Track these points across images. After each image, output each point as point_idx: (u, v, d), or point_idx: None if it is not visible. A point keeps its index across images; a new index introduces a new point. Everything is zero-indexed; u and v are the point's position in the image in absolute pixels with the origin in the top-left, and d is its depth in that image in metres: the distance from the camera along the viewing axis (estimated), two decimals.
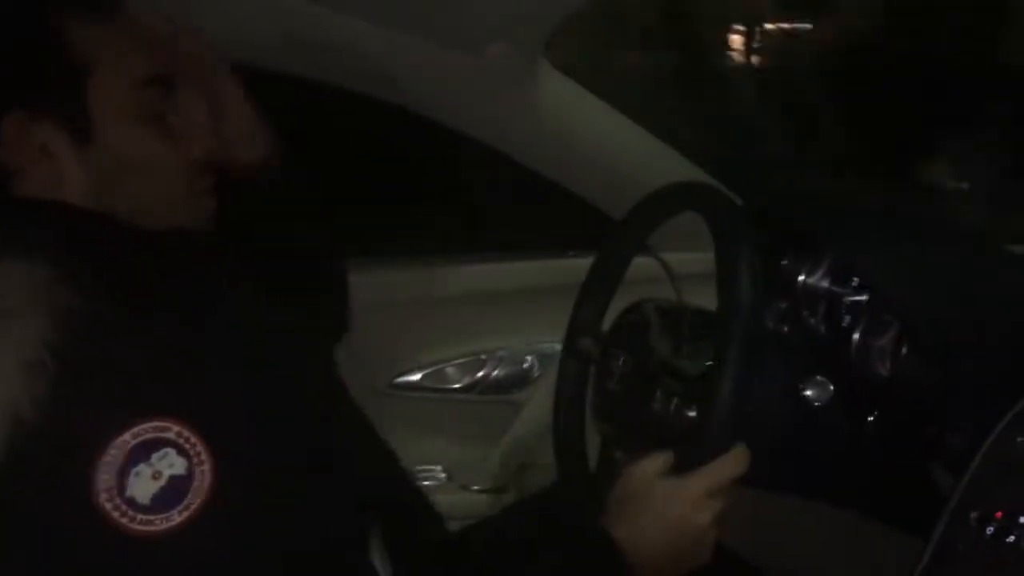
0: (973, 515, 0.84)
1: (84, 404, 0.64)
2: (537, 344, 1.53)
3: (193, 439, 0.65)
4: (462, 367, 1.53)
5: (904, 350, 1.02)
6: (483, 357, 1.53)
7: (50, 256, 0.68)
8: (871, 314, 1.05)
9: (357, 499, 0.78)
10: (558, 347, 1.13)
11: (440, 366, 1.52)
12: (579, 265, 1.15)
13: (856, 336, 1.05)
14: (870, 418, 1.01)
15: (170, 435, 0.64)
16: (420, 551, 0.88)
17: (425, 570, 0.90)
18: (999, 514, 0.83)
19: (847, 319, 1.08)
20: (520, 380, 1.54)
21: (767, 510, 1.03)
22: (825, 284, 1.11)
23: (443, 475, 1.54)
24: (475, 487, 1.55)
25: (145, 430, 0.64)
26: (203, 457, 0.65)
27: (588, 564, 0.85)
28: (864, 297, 1.07)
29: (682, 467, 0.87)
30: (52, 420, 0.63)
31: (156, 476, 0.64)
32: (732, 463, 0.86)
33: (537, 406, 1.50)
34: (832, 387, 0.98)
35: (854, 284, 1.08)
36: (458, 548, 0.95)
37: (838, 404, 0.98)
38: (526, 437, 1.54)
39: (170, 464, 0.64)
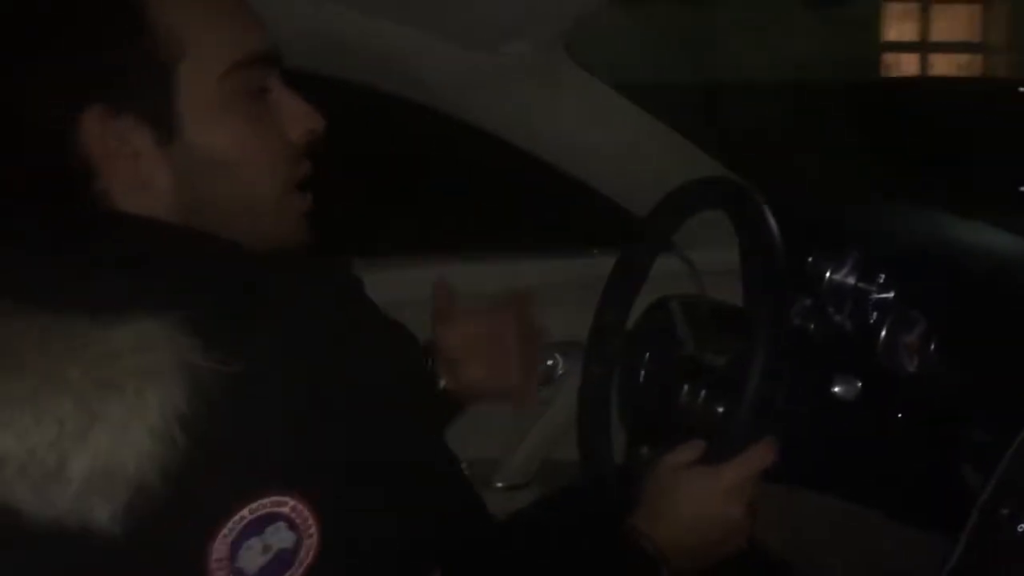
0: (1004, 512, 0.84)
1: (209, 478, 0.62)
2: (562, 341, 1.53)
3: (305, 512, 0.64)
4: None
5: (931, 347, 1.02)
6: None
7: (184, 313, 0.64)
8: (898, 311, 1.04)
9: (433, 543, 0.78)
10: (582, 345, 1.13)
11: None
12: (603, 263, 1.16)
13: (883, 333, 1.04)
14: (898, 415, 1.01)
15: (285, 509, 0.64)
16: (467, 550, 0.87)
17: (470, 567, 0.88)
18: None
19: (874, 316, 1.07)
20: (544, 377, 1.54)
21: (795, 506, 1.03)
22: (851, 281, 1.11)
23: (467, 471, 1.54)
24: (499, 484, 1.55)
25: (263, 505, 0.63)
26: (312, 531, 0.64)
27: (622, 557, 0.85)
28: (891, 294, 1.07)
29: (712, 459, 0.87)
30: (175, 491, 0.61)
31: (266, 549, 0.63)
32: (762, 454, 0.86)
33: (561, 403, 1.51)
34: (859, 384, 0.98)
35: (880, 281, 1.08)
36: (499, 543, 0.95)
37: (865, 401, 0.98)
38: (551, 434, 1.54)
39: (281, 538, 0.64)
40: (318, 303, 0.72)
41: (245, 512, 0.62)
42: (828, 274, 1.12)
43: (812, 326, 1.10)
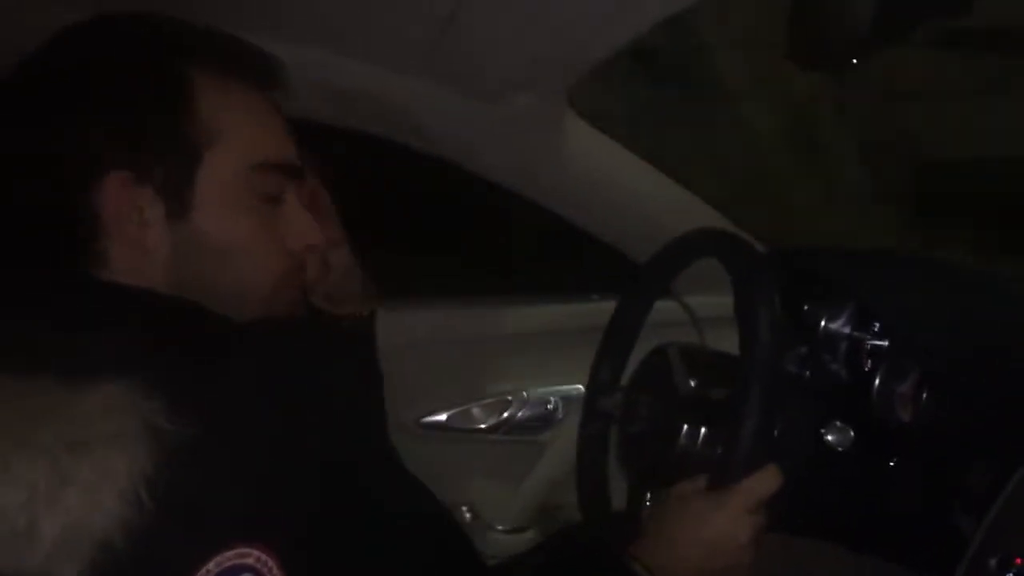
0: (992, 561, 0.85)
1: (173, 536, 0.63)
2: (562, 386, 1.54)
3: (270, 563, 0.65)
4: (488, 408, 1.54)
5: (925, 396, 1.03)
6: (508, 398, 1.54)
7: (150, 377, 0.65)
8: (892, 359, 1.06)
9: None
10: (582, 389, 1.15)
11: (466, 407, 1.53)
12: (603, 308, 1.17)
13: (877, 381, 1.05)
14: (891, 463, 1.01)
15: (250, 560, 0.64)
16: None
17: None
18: (1019, 560, 0.84)
19: (868, 364, 1.08)
20: (545, 421, 1.55)
21: (789, 554, 1.04)
22: (846, 329, 1.12)
23: (468, 515, 1.55)
24: (499, 527, 1.56)
25: (228, 558, 0.64)
26: None
27: None
28: (885, 342, 1.08)
29: (716, 486, 0.87)
30: (140, 549, 0.61)
31: None
32: (767, 479, 0.86)
33: (561, 447, 1.51)
34: (853, 432, 0.98)
35: (875, 329, 1.09)
36: None
37: (859, 449, 0.98)
38: (550, 478, 1.55)
39: None
40: (278, 361, 0.74)
41: (211, 565, 0.63)
42: (824, 322, 1.14)
43: (807, 373, 1.12)
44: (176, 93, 0.75)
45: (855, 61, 0.83)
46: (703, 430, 0.98)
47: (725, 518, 0.86)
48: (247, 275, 0.79)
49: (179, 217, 0.75)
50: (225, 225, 0.77)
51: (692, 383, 1.05)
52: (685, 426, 1.00)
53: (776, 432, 0.95)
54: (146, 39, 0.77)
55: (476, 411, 1.54)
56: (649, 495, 1.05)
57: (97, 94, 0.74)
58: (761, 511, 0.88)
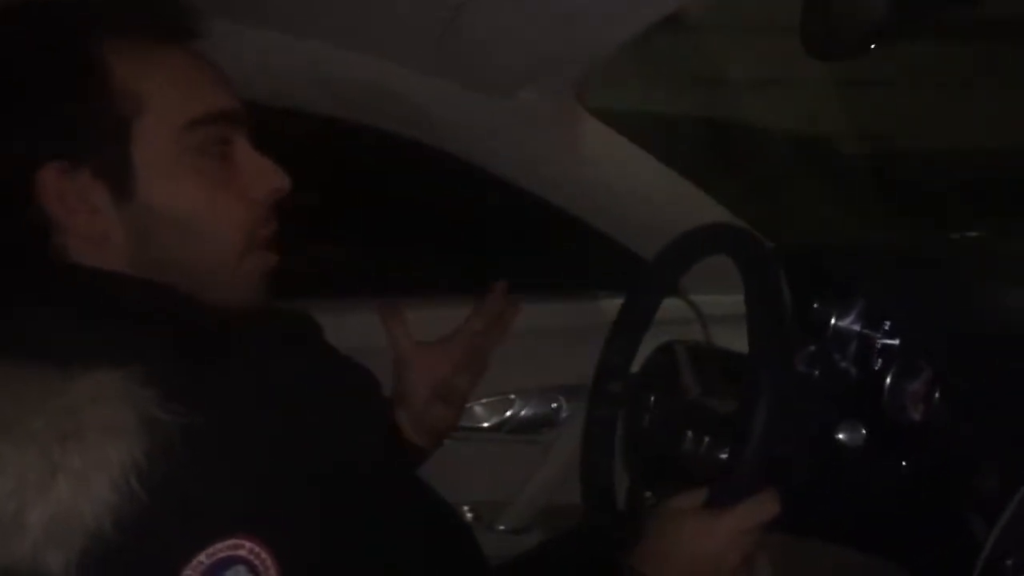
0: (1008, 562, 0.84)
1: (165, 526, 0.63)
2: (566, 384, 1.53)
3: (263, 554, 0.65)
4: (490, 406, 1.53)
5: (936, 395, 1.01)
6: (512, 397, 1.53)
7: (145, 364, 0.64)
8: (903, 358, 1.04)
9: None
10: (587, 388, 1.14)
11: (469, 405, 1.52)
12: (609, 305, 1.16)
13: (888, 380, 1.04)
14: (903, 463, 1.00)
15: (242, 552, 0.64)
16: None
17: None
18: None
19: (879, 363, 1.07)
20: (548, 420, 1.54)
21: (798, 554, 1.03)
22: (857, 327, 1.11)
23: (470, 514, 1.53)
24: (501, 527, 1.54)
25: (220, 549, 0.63)
26: (271, 572, 0.65)
27: None
28: (896, 341, 1.07)
29: (714, 504, 0.87)
30: (132, 538, 0.61)
31: None
32: (765, 505, 0.86)
33: (565, 446, 1.50)
34: (864, 431, 0.97)
35: (886, 328, 1.08)
36: None
37: (870, 448, 0.97)
38: (553, 477, 1.53)
39: None
40: (275, 353, 0.73)
41: (202, 557, 0.63)
42: (833, 320, 1.12)
43: (817, 372, 1.10)
44: (87, 71, 0.71)
45: (871, 49, 0.82)
46: (707, 439, 0.98)
47: (719, 540, 0.86)
48: (213, 240, 0.75)
49: (126, 198, 0.73)
50: (176, 192, 0.74)
51: (698, 385, 1.04)
52: (690, 432, 0.99)
53: (784, 438, 0.94)
54: (47, 22, 0.73)
55: (478, 410, 1.53)
56: (649, 495, 1.04)
57: (7, 90, 0.72)
58: (756, 534, 0.87)
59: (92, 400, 0.62)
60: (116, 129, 0.72)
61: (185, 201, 0.74)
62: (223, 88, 0.78)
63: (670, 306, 1.13)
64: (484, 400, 1.53)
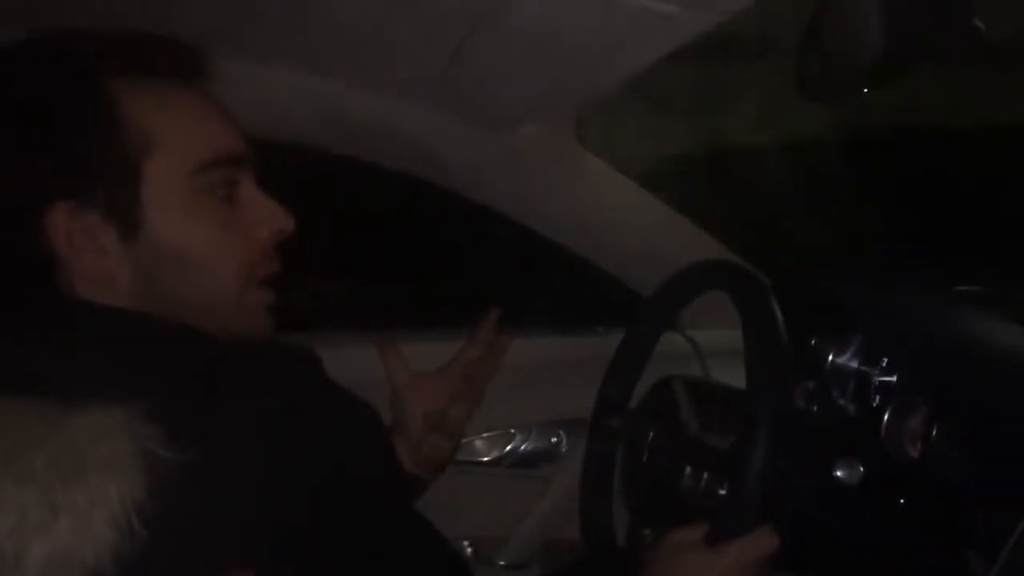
0: None
1: (164, 562, 0.63)
2: (566, 419, 1.53)
3: None
4: (491, 441, 1.53)
5: (934, 432, 1.01)
6: (512, 431, 1.53)
7: (146, 400, 0.64)
8: (901, 395, 1.04)
9: None
10: (586, 423, 1.14)
11: (469, 439, 1.52)
12: (608, 341, 1.16)
13: (886, 417, 1.04)
14: (901, 500, 1.00)
15: None
16: None
17: None
18: None
19: (877, 399, 1.07)
20: (548, 455, 1.53)
21: None
22: (854, 364, 1.11)
23: (469, 549, 1.53)
24: (501, 562, 1.54)
25: None
26: None
27: None
28: (894, 378, 1.07)
29: (712, 539, 0.87)
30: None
31: None
32: (763, 541, 0.86)
33: (565, 481, 1.50)
34: (862, 468, 0.97)
35: (883, 365, 1.08)
36: None
37: (868, 485, 0.97)
38: (553, 512, 1.53)
39: None
40: (276, 388, 0.73)
41: None
42: (831, 356, 1.12)
43: (815, 408, 1.10)
44: (100, 110, 0.72)
45: (865, 91, 0.83)
46: (705, 474, 0.98)
47: (716, 573, 0.86)
48: (217, 278, 0.76)
49: (133, 237, 0.73)
50: (182, 232, 0.75)
51: (697, 420, 1.04)
52: (688, 467, 0.99)
53: (783, 469, 0.94)
54: (61, 60, 0.74)
55: (479, 444, 1.53)
56: (648, 532, 1.04)
57: (20, 128, 0.73)
58: (754, 570, 0.88)
59: (93, 438, 0.62)
60: (127, 169, 0.73)
61: (191, 240, 0.75)
62: (232, 130, 0.79)
63: (669, 341, 1.14)
64: (484, 434, 1.53)
